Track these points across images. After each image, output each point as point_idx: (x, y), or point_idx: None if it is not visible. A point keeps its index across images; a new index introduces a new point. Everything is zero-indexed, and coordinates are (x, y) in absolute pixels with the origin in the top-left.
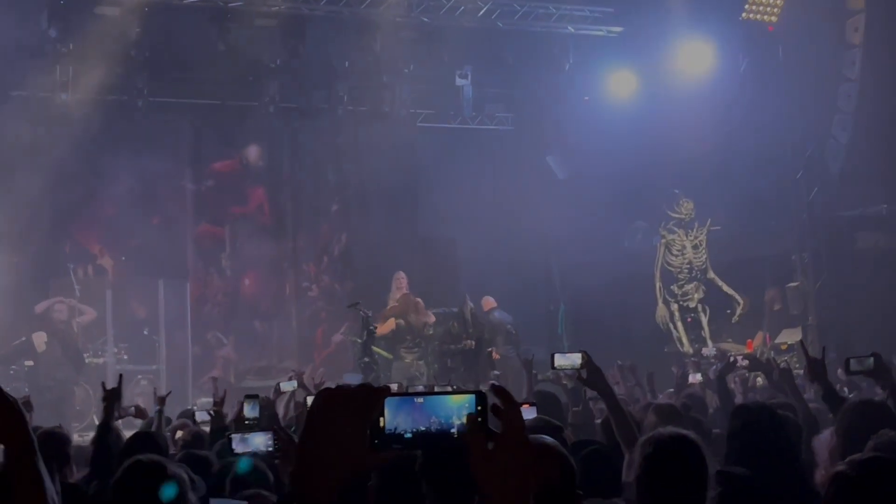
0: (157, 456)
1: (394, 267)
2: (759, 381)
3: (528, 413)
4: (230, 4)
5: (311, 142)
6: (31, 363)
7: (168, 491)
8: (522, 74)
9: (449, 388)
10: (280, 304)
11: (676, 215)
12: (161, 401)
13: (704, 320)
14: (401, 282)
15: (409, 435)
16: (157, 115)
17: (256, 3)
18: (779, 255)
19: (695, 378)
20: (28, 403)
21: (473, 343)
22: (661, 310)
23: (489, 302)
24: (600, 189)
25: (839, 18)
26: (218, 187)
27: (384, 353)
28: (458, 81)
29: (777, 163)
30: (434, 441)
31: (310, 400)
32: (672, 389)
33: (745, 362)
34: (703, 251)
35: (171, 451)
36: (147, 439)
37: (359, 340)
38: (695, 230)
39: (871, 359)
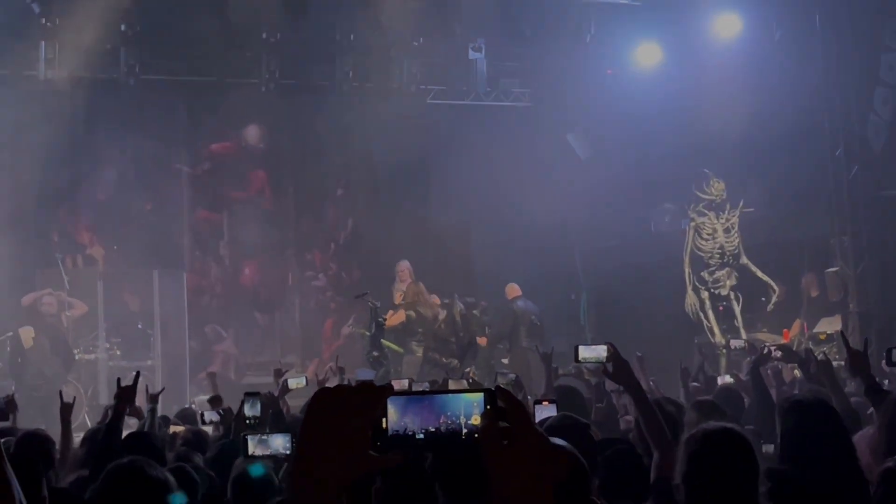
0: (141, 458)
1: (403, 254)
2: (796, 373)
3: (549, 410)
4: None
5: (315, 121)
6: (18, 359)
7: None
8: (540, 47)
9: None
10: (283, 294)
11: (707, 196)
12: (154, 398)
13: (737, 309)
14: (403, 273)
15: (420, 436)
16: (149, 94)
17: None
18: (817, 239)
19: (723, 380)
20: (12, 402)
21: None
22: (690, 298)
23: (514, 290)
24: (625, 169)
25: None
26: (215, 170)
27: (394, 347)
28: (472, 55)
29: (815, 139)
30: (446, 442)
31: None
32: (697, 383)
33: (779, 353)
34: (736, 235)
35: (169, 452)
36: (142, 440)
37: (367, 333)
38: (726, 212)
39: None
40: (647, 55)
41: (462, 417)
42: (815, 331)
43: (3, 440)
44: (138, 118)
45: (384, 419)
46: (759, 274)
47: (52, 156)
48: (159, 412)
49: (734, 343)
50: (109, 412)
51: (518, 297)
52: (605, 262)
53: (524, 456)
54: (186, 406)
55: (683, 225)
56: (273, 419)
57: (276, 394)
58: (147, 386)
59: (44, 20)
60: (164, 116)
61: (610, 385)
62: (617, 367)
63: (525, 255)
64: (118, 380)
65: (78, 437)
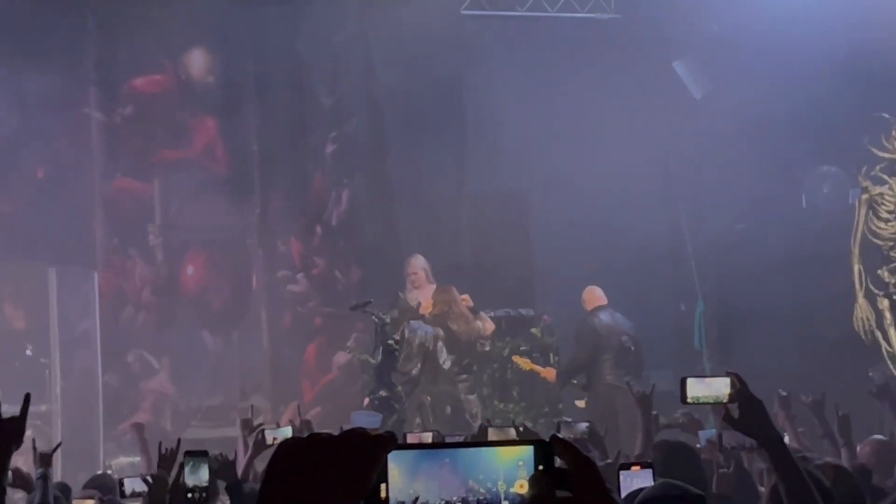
0: None
1: (425, 241)
2: None
3: (642, 478)
4: None
5: (292, 41)
6: None
7: None
8: None
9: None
10: (243, 304)
11: (888, 155)
12: (45, 460)
13: None
14: (417, 275)
15: None
16: (45, 6)
17: None
18: None
19: None
20: None
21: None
22: (861, 308)
23: (595, 296)
24: (761, 115)
25: None
26: (141, 118)
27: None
28: None
29: None
30: None
31: None
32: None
33: None
34: None
35: None
36: None
37: (372, 361)
38: None
39: None
40: None
41: (501, 483)
42: None
43: None
44: (27, 43)
45: (383, 485)
46: None
47: None
48: (56, 478)
49: None
50: None
51: (601, 308)
52: (730, 254)
53: None
54: (100, 472)
55: (852, 198)
56: (229, 493)
57: (237, 454)
58: (34, 441)
59: None
60: (65, 39)
61: (734, 437)
62: (746, 409)
63: (609, 241)
64: None
65: None
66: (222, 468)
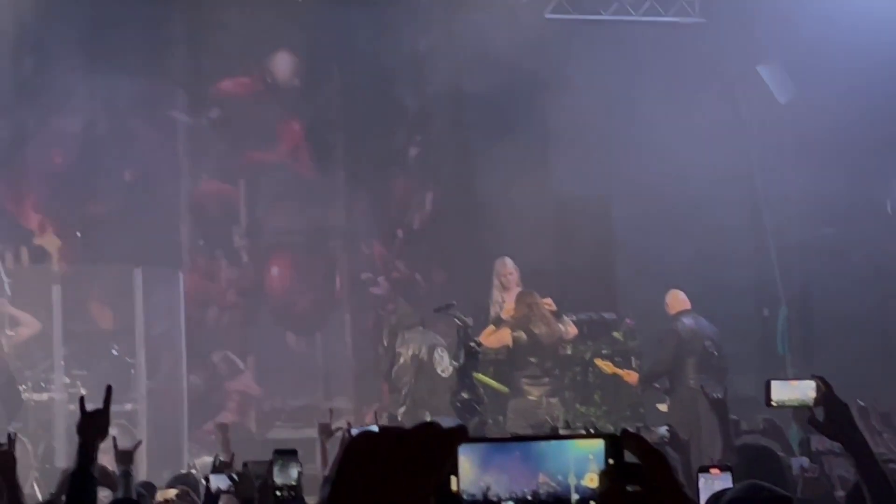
0: None
1: (511, 245)
2: None
3: (721, 482)
4: None
5: (376, 44)
6: None
7: None
8: None
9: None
10: (328, 306)
11: None
12: (126, 457)
13: None
14: (508, 277)
15: (508, 503)
16: (133, 10)
17: None
18: None
19: None
20: None
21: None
22: None
23: (679, 300)
24: (845, 120)
25: None
26: (227, 120)
27: (494, 385)
28: None
29: None
30: None
31: None
32: None
33: None
34: None
35: None
36: None
37: (454, 365)
38: None
39: None
40: None
41: (571, 477)
42: None
43: None
44: (115, 44)
45: (454, 478)
46: None
47: None
48: (140, 476)
49: None
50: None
51: (685, 313)
52: (814, 259)
53: None
54: (183, 471)
55: None
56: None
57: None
58: (115, 439)
59: None
60: (154, 42)
61: (821, 442)
62: (831, 413)
63: (690, 245)
64: (81, 399)
65: None
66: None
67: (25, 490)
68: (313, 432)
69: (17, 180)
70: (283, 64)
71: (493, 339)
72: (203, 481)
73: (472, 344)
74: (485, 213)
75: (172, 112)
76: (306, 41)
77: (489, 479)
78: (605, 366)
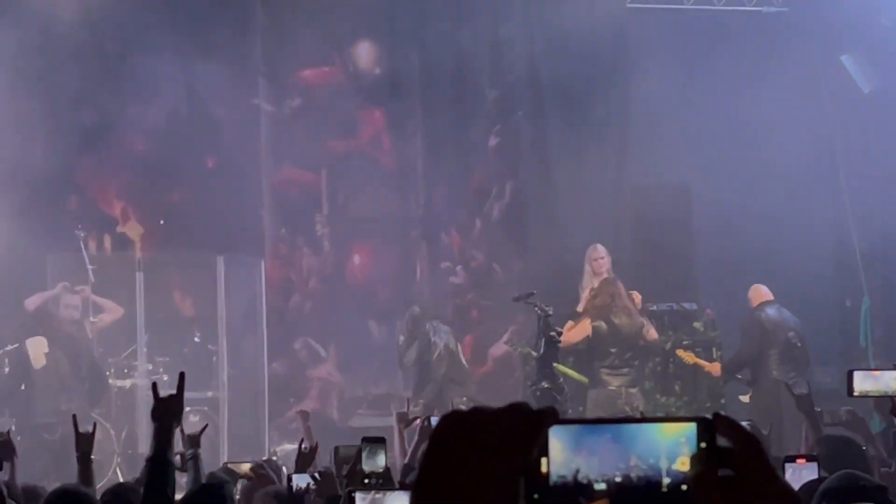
0: None
1: (590, 235)
2: None
3: (807, 471)
4: None
5: (456, 34)
6: (21, 385)
7: None
8: None
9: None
10: (410, 294)
11: None
12: (193, 440)
13: None
14: (599, 261)
15: (600, 486)
16: (213, 0)
17: None
18: None
19: None
20: (8, 444)
21: None
22: None
23: (761, 293)
24: None
25: None
26: (309, 109)
27: (574, 375)
28: None
29: None
30: (637, 496)
31: None
32: None
33: None
34: None
35: None
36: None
37: (534, 354)
38: None
39: None
40: None
41: (663, 460)
42: None
43: None
44: (197, 34)
45: (544, 459)
46: None
47: (69, 86)
48: (221, 463)
49: None
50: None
51: (769, 303)
52: None
53: None
54: (264, 458)
55: None
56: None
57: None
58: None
59: None
60: (235, 31)
61: None
62: None
63: (775, 237)
64: (154, 386)
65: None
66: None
67: (108, 475)
68: (393, 420)
69: (101, 168)
70: (364, 53)
71: (574, 333)
72: (284, 469)
73: (553, 333)
74: (563, 203)
75: (255, 100)
76: (387, 30)
77: (579, 461)
78: (687, 356)
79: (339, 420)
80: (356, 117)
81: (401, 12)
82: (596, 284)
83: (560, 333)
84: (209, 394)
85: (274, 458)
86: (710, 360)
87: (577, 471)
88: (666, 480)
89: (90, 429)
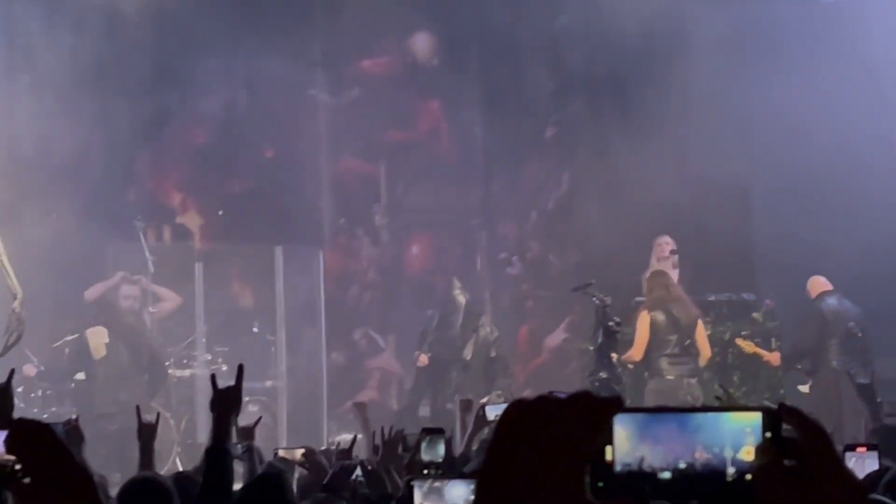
0: None
1: (647, 226)
2: None
3: (869, 460)
4: None
5: (513, 25)
6: (81, 376)
7: None
8: None
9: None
10: (467, 285)
11: None
12: (247, 433)
13: None
14: (663, 248)
15: (665, 474)
16: None
17: None
18: None
19: None
20: (76, 430)
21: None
22: None
23: (820, 283)
24: None
25: None
26: (368, 100)
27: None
28: None
29: None
30: (702, 485)
31: None
32: None
33: None
34: None
35: None
36: (266, 486)
37: (590, 347)
38: None
39: None
40: None
41: (728, 449)
42: None
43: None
44: (256, 26)
45: (609, 447)
46: None
47: (129, 79)
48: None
49: None
50: None
51: (829, 293)
52: None
53: None
54: (323, 448)
55: None
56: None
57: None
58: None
59: None
60: (293, 20)
61: None
62: None
63: (836, 227)
64: (212, 377)
65: None
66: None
67: (168, 465)
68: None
69: (160, 159)
70: (421, 44)
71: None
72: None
73: (611, 324)
74: (620, 194)
75: (313, 91)
76: (445, 21)
77: (644, 450)
78: (747, 345)
79: (398, 410)
80: (414, 108)
81: (458, 3)
82: (651, 274)
83: (619, 323)
84: (268, 384)
85: (332, 448)
86: (769, 350)
87: (642, 459)
88: (730, 470)
89: (152, 419)
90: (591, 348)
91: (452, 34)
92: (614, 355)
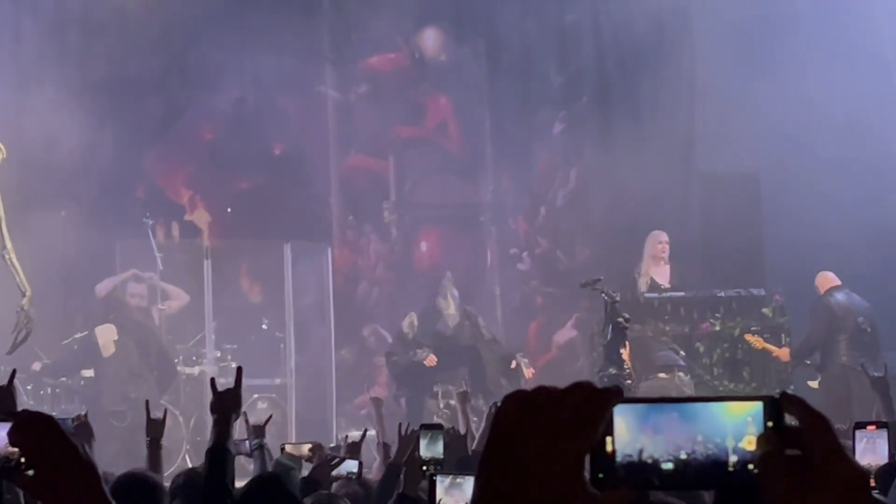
0: None
1: (656, 221)
2: None
3: (879, 438)
4: None
5: (522, 20)
6: (90, 373)
7: None
8: None
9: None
10: (478, 280)
11: None
12: (258, 431)
13: None
14: (658, 247)
15: (667, 465)
16: None
17: None
18: None
19: None
20: (86, 426)
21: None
22: None
23: (829, 279)
24: None
25: None
26: (376, 96)
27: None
28: None
29: None
30: (703, 476)
31: None
32: None
33: None
34: None
35: None
36: (268, 487)
37: (602, 340)
38: None
39: None
40: None
41: (730, 439)
42: None
43: None
44: (263, 20)
45: (609, 438)
46: None
47: (137, 76)
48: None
49: None
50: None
51: (838, 288)
52: None
53: (828, 501)
54: (332, 445)
55: None
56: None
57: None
58: (245, 415)
59: None
60: (301, 16)
61: None
62: None
63: (845, 222)
64: (212, 380)
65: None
66: (456, 440)
67: (177, 462)
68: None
69: (169, 157)
70: (430, 39)
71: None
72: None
73: (620, 319)
74: (629, 190)
75: (321, 87)
76: (453, 16)
77: (645, 440)
78: (756, 341)
79: (407, 407)
80: (423, 104)
81: None
82: (655, 269)
83: (628, 319)
84: (277, 381)
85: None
86: (779, 345)
87: (642, 450)
88: (732, 459)
89: (160, 415)
90: (601, 343)
91: (460, 29)
92: (623, 351)
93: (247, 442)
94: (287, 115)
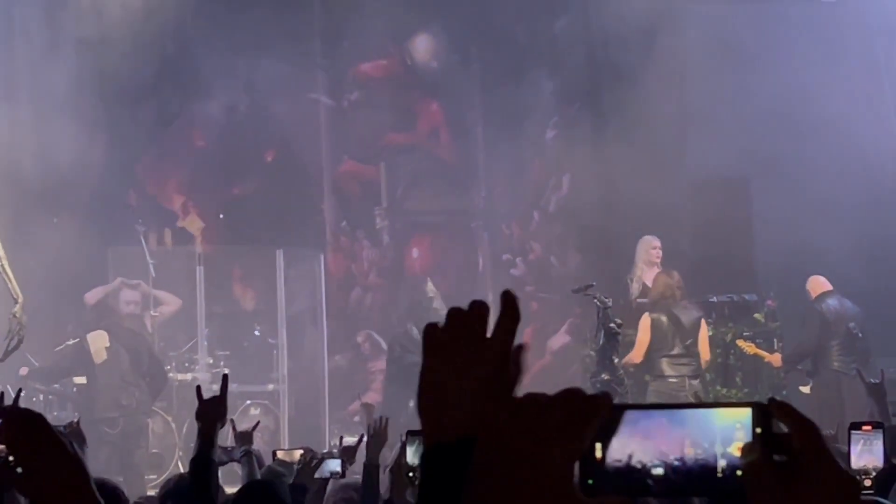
0: None
1: (648, 227)
2: None
3: (875, 438)
4: None
5: (513, 26)
6: (82, 380)
7: None
8: None
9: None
10: (470, 286)
11: None
12: (245, 438)
13: None
14: (651, 252)
15: (659, 470)
16: None
17: None
18: None
19: None
20: (78, 432)
21: None
22: None
23: (820, 283)
24: None
25: None
26: (368, 102)
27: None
28: None
29: None
30: (692, 482)
31: None
32: None
33: None
34: None
35: None
36: (260, 492)
37: (594, 346)
38: None
39: None
40: None
41: (718, 445)
42: None
43: None
44: (255, 27)
45: (599, 444)
46: None
47: (129, 82)
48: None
49: None
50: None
51: (829, 294)
52: None
53: None
54: (325, 451)
55: None
56: None
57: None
58: (233, 422)
59: None
60: (293, 23)
61: None
62: None
63: (836, 228)
64: (198, 388)
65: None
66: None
67: (170, 468)
68: None
69: (161, 163)
70: (421, 46)
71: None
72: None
73: (612, 325)
74: (621, 195)
75: (313, 94)
76: (445, 23)
77: (635, 446)
78: (748, 346)
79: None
80: (414, 111)
81: (458, 4)
82: (648, 274)
83: (620, 325)
84: (270, 387)
85: (335, 449)
86: (771, 351)
87: (631, 455)
88: (721, 464)
89: (153, 424)
90: (593, 349)
91: (452, 36)
92: (615, 357)
93: (235, 449)
94: (279, 121)
